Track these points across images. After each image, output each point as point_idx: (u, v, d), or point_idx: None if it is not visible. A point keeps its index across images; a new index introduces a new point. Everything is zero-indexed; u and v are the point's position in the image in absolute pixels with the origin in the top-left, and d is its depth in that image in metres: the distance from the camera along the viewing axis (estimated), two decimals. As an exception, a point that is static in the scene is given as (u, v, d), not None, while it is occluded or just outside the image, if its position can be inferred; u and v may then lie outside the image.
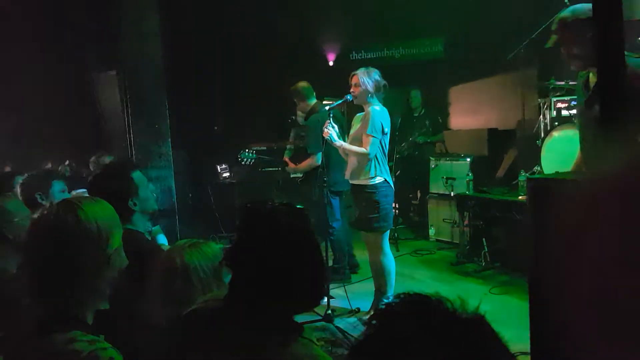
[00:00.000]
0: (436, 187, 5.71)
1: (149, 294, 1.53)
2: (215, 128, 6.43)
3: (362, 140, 3.43)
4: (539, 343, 0.95)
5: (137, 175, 2.04)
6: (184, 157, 5.94)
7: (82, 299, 1.23)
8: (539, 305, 1.00)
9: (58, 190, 3.03)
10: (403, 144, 6.10)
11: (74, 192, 3.13)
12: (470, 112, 6.89)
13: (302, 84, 4.58)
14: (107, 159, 4.05)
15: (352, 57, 7.17)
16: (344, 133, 3.95)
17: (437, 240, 5.67)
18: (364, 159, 3.43)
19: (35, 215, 1.31)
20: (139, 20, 4.41)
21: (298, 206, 1.24)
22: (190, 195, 5.83)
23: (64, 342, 1.13)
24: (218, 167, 6.04)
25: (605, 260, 0.44)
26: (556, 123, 4.76)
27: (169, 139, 4.60)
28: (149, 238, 2.20)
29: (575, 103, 4.83)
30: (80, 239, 1.21)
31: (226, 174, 6.08)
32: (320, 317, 3.43)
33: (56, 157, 4.20)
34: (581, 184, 0.50)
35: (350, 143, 3.54)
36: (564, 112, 4.90)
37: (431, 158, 5.91)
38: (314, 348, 1.13)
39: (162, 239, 3.45)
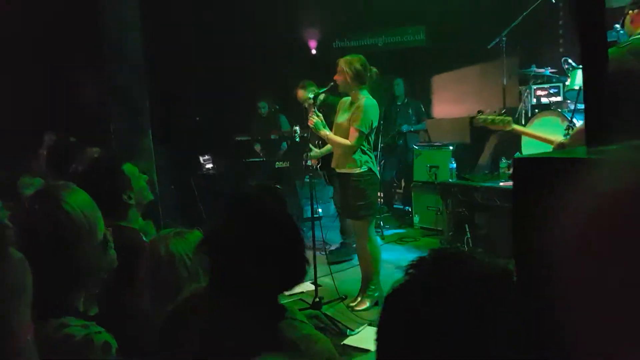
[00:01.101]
0: (420, 176, 5.75)
1: (137, 285, 1.52)
2: (197, 119, 6.35)
3: (350, 131, 3.42)
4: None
5: (127, 167, 1.98)
6: (166, 148, 5.86)
7: (74, 290, 1.22)
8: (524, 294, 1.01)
9: (26, 186, 2.95)
10: (389, 134, 6.12)
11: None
12: (452, 100, 6.94)
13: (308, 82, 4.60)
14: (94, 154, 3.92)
15: (336, 45, 7.14)
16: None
17: (422, 228, 5.72)
18: (349, 149, 3.43)
19: (15, 213, 1.27)
20: (119, 11, 4.33)
21: (275, 186, 1.24)
22: (173, 187, 5.76)
23: (57, 327, 1.13)
24: (201, 158, 5.98)
25: (603, 253, 0.42)
26: (536, 110, 4.83)
27: (150, 131, 4.54)
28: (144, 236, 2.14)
29: (555, 90, 4.91)
30: (72, 234, 1.19)
31: (209, 165, 6.03)
32: (308, 305, 3.44)
33: (29, 154, 4.02)
34: (582, 165, 0.49)
35: (336, 131, 3.54)
36: (544, 100, 4.97)
37: (415, 147, 5.95)
38: (303, 327, 1.12)
39: (150, 229, 3.38)
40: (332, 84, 3.48)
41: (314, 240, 3.59)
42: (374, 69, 3.48)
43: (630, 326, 0.40)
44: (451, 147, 5.55)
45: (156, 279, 1.54)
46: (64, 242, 1.18)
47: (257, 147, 5.90)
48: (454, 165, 5.07)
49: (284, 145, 6.17)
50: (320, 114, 3.53)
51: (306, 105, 4.47)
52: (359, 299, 3.65)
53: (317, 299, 3.47)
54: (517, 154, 4.85)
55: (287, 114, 6.06)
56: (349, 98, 3.55)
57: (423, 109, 6.39)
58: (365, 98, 3.43)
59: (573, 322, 0.43)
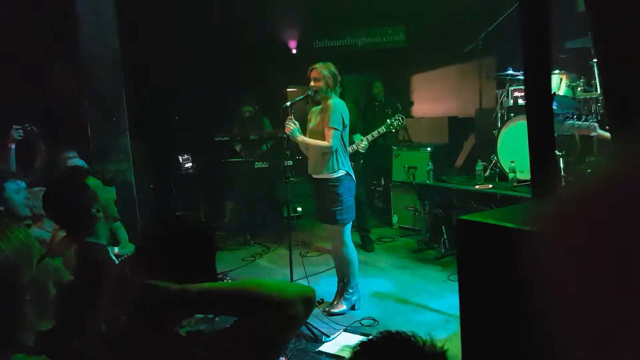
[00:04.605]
0: (398, 176, 5.81)
1: (102, 307, 1.52)
2: (177, 118, 6.30)
3: (324, 133, 3.45)
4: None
5: (91, 181, 1.96)
6: (144, 148, 5.80)
7: (18, 329, 1.22)
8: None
9: (14, 191, 2.90)
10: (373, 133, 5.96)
11: (32, 190, 3.00)
12: (431, 100, 7.00)
13: None
14: (74, 161, 3.84)
15: (316, 45, 7.13)
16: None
17: (400, 227, 5.79)
18: (326, 153, 3.46)
19: None
20: (96, 8, 4.27)
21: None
22: (152, 187, 5.72)
23: None
24: (180, 157, 5.94)
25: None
26: (512, 114, 4.86)
27: (127, 131, 4.50)
28: (111, 251, 2.12)
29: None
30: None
31: (188, 165, 6.00)
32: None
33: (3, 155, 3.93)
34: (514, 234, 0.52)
35: (310, 137, 3.56)
36: (521, 102, 5.01)
37: (394, 147, 5.99)
38: None
39: (122, 233, 3.38)
40: (308, 92, 3.49)
41: (290, 241, 3.60)
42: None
43: None
44: (429, 149, 5.61)
45: (122, 301, 1.54)
46: None
47: (238, 147, 5.88)
48: (432, 167, 5.13)
49: (265, 147, 6.16)
50: (297, 122, 3.54)
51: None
52: (336, 302, 3.70)
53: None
54: (493, 157, 4.92)
55: (270, 117, 6.05)
56: (319, 107, 3.59)
57: (400, 108, 6.43)
58: (333, 99, 3.50)
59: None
